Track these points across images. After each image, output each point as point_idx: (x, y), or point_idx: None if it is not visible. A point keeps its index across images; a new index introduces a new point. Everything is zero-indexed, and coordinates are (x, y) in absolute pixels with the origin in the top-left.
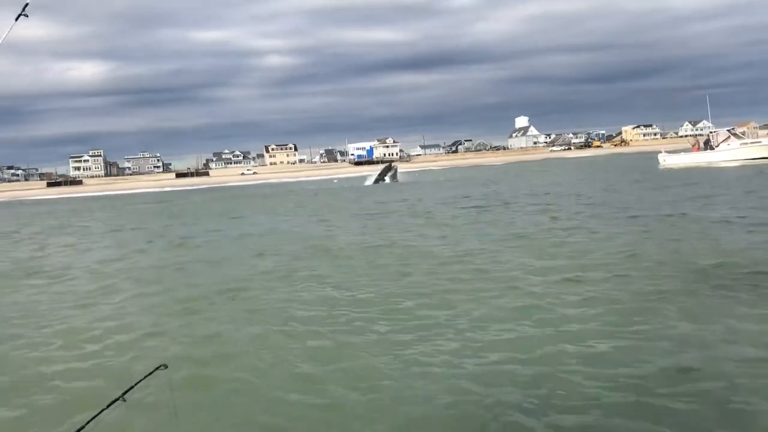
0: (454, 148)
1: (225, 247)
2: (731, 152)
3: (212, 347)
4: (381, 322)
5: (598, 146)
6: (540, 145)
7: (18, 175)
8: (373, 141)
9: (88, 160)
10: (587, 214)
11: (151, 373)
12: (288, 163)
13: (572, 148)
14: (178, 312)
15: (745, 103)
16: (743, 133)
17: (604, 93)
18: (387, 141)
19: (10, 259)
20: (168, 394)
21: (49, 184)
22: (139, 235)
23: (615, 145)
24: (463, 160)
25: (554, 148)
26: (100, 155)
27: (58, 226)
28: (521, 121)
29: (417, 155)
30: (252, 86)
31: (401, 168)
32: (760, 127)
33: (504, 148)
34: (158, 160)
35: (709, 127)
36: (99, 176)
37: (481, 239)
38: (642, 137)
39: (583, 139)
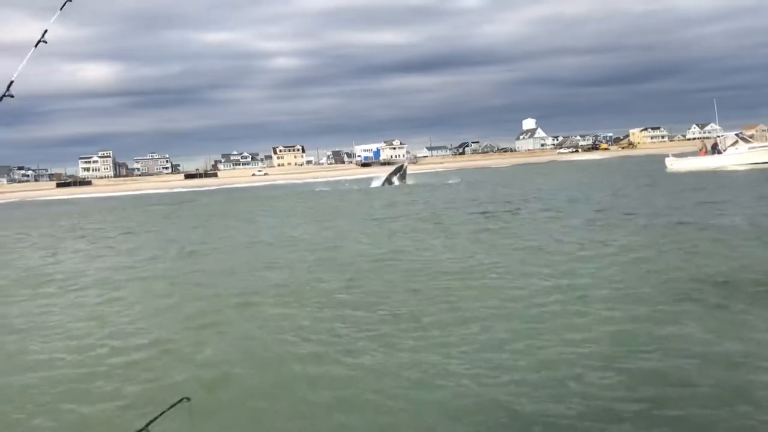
0: (461, 150)
1: (236, 256)
2: (739, 156)
3: (231, 374)
4: (403, 341)
5: (606, 149)
6: (547, 147)
7: (28, 175)
8: (380, 143)
9: (97, 161)
10: (600, 223)
11: (173, 405)
12: (295, 164)
13: (580, 150)
14: (190, 329)
15: (753, 105)
16: (751, 137)
17: (612, 95)
18: (394, 143)
19: (21, 266)
20: (189, 425)
21: (59, 185)
22: (150, 240)
23: (622, 148)
24: (470, 162)
25: (562, 151)
26: (109, 156)
27: (68, 229)
28: (528, 123)
29: (424, 157)
30: (259, 88)
31: (408, 170)
32: None
33: (511, 150)
34: (167, 161)
35: (717, 129)
36: (108, 177)
37: (490, 251)
38: (649, 140)
39: (590, 142)
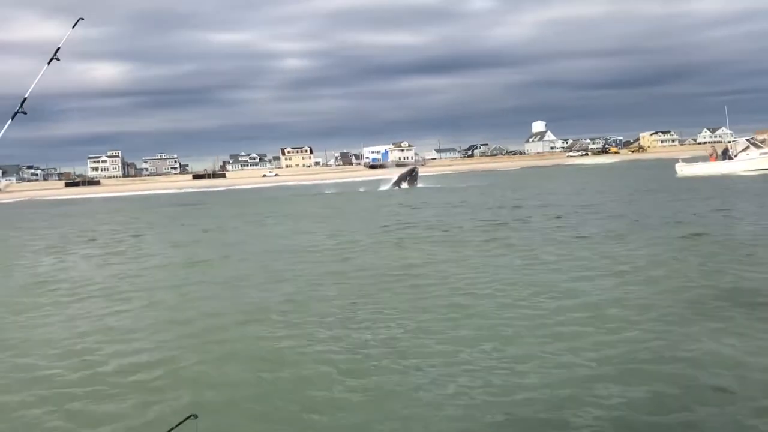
0: (469, 153)
1: (245, 266)
2: (751, 162)
3: (239, 392)
4: (414, 360)
5: (616, 152)
6: (557, 150)
7: (37, 174)
8: (389, 144)
9: (106, 161)
10: (613, 235)
11: (181, 423)
12: (303, 165)
13: (589, 153)
14: (197, 345)
15: (765, 109)
16: (763, 142)
17: (622, 98)
18: (402, 145)
19: (28, 273)
20: None
21: (67, 184)
22: (158, 246)
23: (632, 152)
24: (479, 164)
25: (571, 154)
26: (117, 156)
27: (76, 233)
28: (538, 126)
29: (432, 159)
30: (269, 88)
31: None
32: None
33: (520, 153)
34: (175, 162)
35: (728, 134)
36: (116, 177)
37: (499, 264)
38: (660, 144)
39: (600, 145)
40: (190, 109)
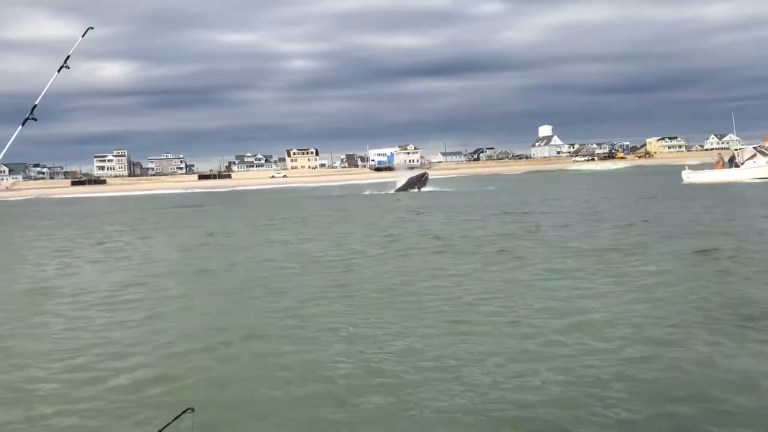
0: (475, 156)
1: (249, 275)
2: (758, 170)
3: (237, 394)
4: (417, 378)
5: (622, 157)
6: (563, 155)
7: (43, 173)
8: (394, 147)
9: (112, 160)
10: (623, 248)
11: (178, 416)
12: (309, 167)
13: (596, 158)
14: (199, 355)
15: None
16: None
17: (629, 104)
18: (408, 147)
19: (31, 278)
20: None
21: (74, 183)
22: (164, 250)
23: (639, 157)
24: (484, 168)
25: (577, 159)
26: (124, 155)
27: (82, 234)
28: (544, 130)
29: (438, 162)
30: (275, 89)
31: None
32: None
33: (526, 157)
34: (181, 161)
35: (736, 140)
36: (122, 176)
37: (505, 277)
38: (666, 149)
39: (606, 150)
40: (196, 109)
